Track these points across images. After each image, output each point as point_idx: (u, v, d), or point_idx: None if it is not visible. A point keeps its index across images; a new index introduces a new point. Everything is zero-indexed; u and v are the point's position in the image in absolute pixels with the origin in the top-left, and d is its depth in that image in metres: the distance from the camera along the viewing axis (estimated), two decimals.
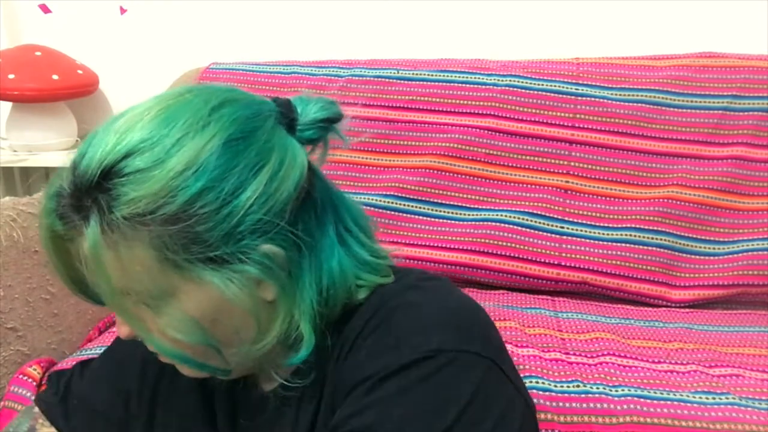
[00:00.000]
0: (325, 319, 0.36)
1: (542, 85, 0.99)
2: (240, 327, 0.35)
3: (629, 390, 0.65)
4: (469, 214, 0.97)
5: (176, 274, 0.32)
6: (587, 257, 0.92)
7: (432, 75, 1.03)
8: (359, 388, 0.33)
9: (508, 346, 0.79)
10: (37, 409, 0.48)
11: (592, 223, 0.94)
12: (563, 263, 0.93)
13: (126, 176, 0.31)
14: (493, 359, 0.34)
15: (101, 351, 0.52)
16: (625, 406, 0.63)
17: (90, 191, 0.32)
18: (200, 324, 0.34)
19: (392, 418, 0.31)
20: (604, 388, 0.65)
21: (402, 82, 1.03)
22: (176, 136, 0.32)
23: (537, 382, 0.66)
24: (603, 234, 0.93)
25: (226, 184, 0.32)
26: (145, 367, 0.46)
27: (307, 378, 0.37)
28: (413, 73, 1.04)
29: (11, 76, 1.16)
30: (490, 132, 0.98)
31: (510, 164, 0.98)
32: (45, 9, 1.30)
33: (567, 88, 0.98)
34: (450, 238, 0.96)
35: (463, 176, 0.98)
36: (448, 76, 1.02)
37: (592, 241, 0.93)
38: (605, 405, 0.63)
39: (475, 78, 1.01)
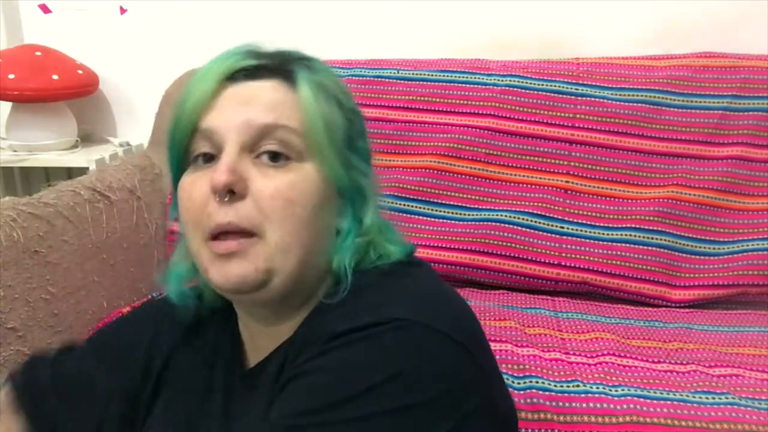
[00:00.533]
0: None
1: (542, 85, 0.99)
2: (324, 216, 0.39)
3: (629, 390, 0.65)
4: (469, 214, 0.97)
5: (329, 146, 0.38)
6: (587, 257, 0.92)
7: (432, 75, 1.03)
8: (311, 347, 0.34)
9: (508, 346, 0.79)
10: None
11: (592, 223, 0.94)
12: (563, 263, 0.93)
13: (317, 67, 0.41)
14: (450, 336, 0.34)
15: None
16: (624, 406, 0.63)
17: (289, 58, 0.40)
18: (315, 191, 0.37)
19: (329, 366, 0.32)
20: (604, 388, 0.65)
21: (402, 82, 1.03)
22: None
23: (537, 382, 0.66)
24: (603, 234, 0.93)
25: (362, 122, 0.42)
26: (151, 352, 0.45)
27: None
28: (413, 73, 1.04)
29: (11, 76, 1.16)
30: (490, 132, 0.98)
31: (510, 164, 0.98)
32: (45, 9, 1.30)
33: (567, 88, 0.98)
34: (450, 238, 0.96)
35: (463, 176, 0.98)
36: (448, 76, 1.02)
37: (592, 241, 0.93)
38: (605, 405, 0.63)
39: (475, 78, 1.01)
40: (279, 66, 0.39)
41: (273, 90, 0.38)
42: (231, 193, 0.35)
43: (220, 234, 0.36)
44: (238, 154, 0.36)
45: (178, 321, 0.45)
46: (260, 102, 0.37)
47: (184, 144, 0.39)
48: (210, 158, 0.38)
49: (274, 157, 0.37)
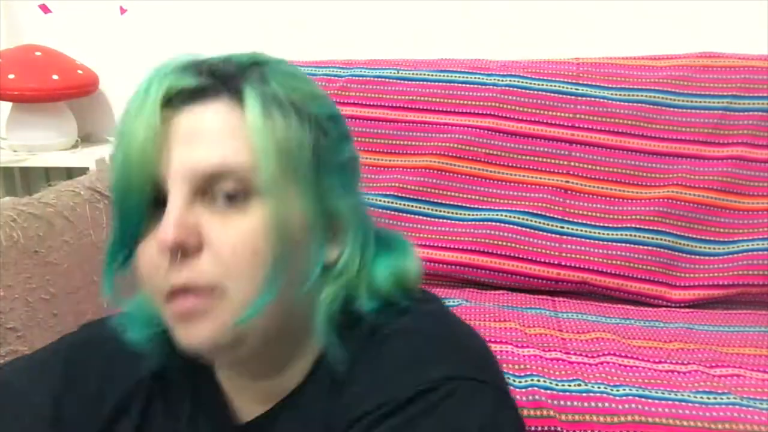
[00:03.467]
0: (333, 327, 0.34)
1: (542, 85, 0.99)
2: (305, 265, 0.33)
3: (630, 389, 0.65)
4: (469, 214, 0.97)
5: (292, 174, 0.32)
6: (587, 257, 0.92)
7: (432, 75, 1.03)
8: (364, 420, 0.30)
9: (509, 347, 0.79)
10: None
11: (592, 223, 0.94)
12: (563, 263, 0.93)
13: (277, 70, 0.34)
14: (495, 384, 0.32)
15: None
16: (626, 406, 0.63)
17: (243, 67, 0.33)
18: (281, 235, 0.31)
19: None
20: (605, 388, 0.65)
21: (402, 82, 1.03)
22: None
23: (538, 381, 0.66)
24: (603, 234, 0.93)
25: (342, 126, 0.36)
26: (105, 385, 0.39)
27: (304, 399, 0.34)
28: (413, 73, 1.04)
29: (11, 76, 1.16)
30: (490, 132, 0.98)
31: (510, 164, 0.98)
32: (45, 9, 1.30)
33: (567, 88, 0.98)
34: (450, 238, 0.96)
35: (463, 176, 0.98)
36: (448, 76, 1.02)
37: (592, 241, 0.93)
38: (606, 404, 0.63)
39: (475, 78, 1.01)
40: (224, 81, 0.32)
41: (218, 117, 0.31)
42: (183, 250, 0.30)
43: (179, 291, 0.31)
44: (188, 203, 0.31)
45: (137, 368, 0.38)
46: (204, 138, 0.31)
47: (128, 201, 0.32)
48: (162, 204, 0.31)
49: (231, 197, 0.31)
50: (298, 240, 0.33)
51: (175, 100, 0.32)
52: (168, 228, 0.30)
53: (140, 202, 0.32)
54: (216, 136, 0.31)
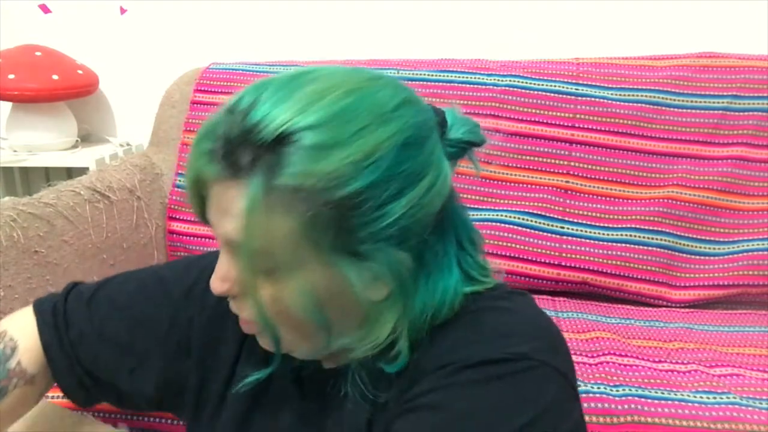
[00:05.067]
0: (421, 332, 0.36)
1: (542, 85, 0.99)
2: (344, 319, 0.35)
3: (630, 390, 0.65)
4: (469, 214, 0.97)
5: (313, 252, 0.32)
6: (587, 257, 0.92)
7: (432, 75, 1.03)
8: (438, 372, 0.33)
9: None
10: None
11: (592, 223, 0.94)
12: (563, 263, 0.93)
13: (302, 148, 0.31)
14: (567, 377, 0.34)
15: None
16: (625, 406, 0.63)
17: (260, 149, 0.31)
18: (316, 301, 0.34)
19: (461, 405, 0.31)
20: (605, 388, 0.65)
21: (402, 82, 1.03)
22: (360, 123, 0.31)
23: None
24: (603, 234, 0.93)
25: (391, 185, 0.32)
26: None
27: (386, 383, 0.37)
28: (413, 73, 1.03)
29: (11, 76, 1.16)
30: (490, 132, 0.98)
31: (510, 164, 0.98)
32: (45, 9, 1.30)
33: (567, 88, 0.98)
34: None
35: (463, 176, 0.98)
36: (448, 76, 1.02)
37: (592, 241, 0.93)
38: (606, 405, 0.63)
39: (475, 78, 1.01)
40: (239, 170, 0.32)
41: (235, 201, 0.32)
42: (229, 295, 0.36)
43: None
44: (230, 260, 0.35)
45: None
46: (228, 214, 0.33)
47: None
48: None
49: (252, 271, 0.34)
50: (337, 296, 0.34)
51: (206, 181, 0.34)
52: (214, 280, 0.36)
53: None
54: (235, 215, 0.32)
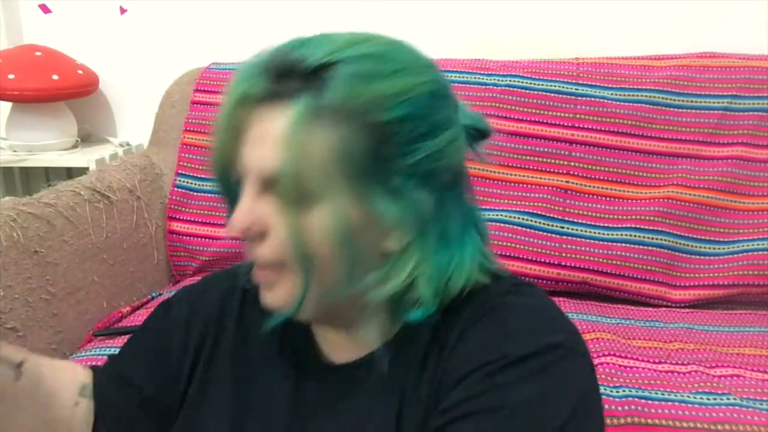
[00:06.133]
0: (439, 303, 0.37)
1: (542, 85, 0.99)
2: (366, 258, 0.36)
3: (630, 391, 0.65)
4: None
5: (347, 181, 0.34)
6: (587, 257, 0.92)
7: None
8: (475, 374, 0.34)
9: None
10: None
11: (592, 223, 0.94)
12: (563, 263, 0.93)
13: (345, 74, 0.33)
14: (590, 359, 0.36)
15: (113, 350, 0.50)
16: (625, 407, 0.62)
17: (305, 75, 0.34)
18: (347, 233, 0.35)
19: (514, 402, 0.33)
20: (605, 389, 0.65)
21: None
22: (398, 66, 0.35)
23: None
24: (603, 234, 0.93)
25: (421, 125, 0.35)
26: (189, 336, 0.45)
27: (400, 351, 0.38)
28: None
29: (11, 76, 1.16)
30: None
31: (510, 164, 0.98)
32: (45, 9, 1.30)
33: (567, 88, 0.98)
34: None
35: None
36: (448, 75, 1.02)
37: (592, 241, 0.93)
38: (606, 406, 0.62)
39: (475, 78, 1.01)
40: (287, 90, 0.34)
41: (278, 125, 0.34)
42: (249, 235, 0.36)
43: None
44: (257, 195, 0.36)
45: (238, 299, 0.45)
46: (267, 142, 0.34)
47: (223, 181, 0.39)
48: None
49: (288, 196, 0.35)
50: (360, 230, 0.35)
51: (250, 101, 0.35)
52: (235, 218, 0.36)
53: (227, 183, 0.38)
54: (276, 142, 0.34)
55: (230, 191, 0.39)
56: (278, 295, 0.37)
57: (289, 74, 0.34)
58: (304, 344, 0.42)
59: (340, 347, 0.41)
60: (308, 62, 0.34)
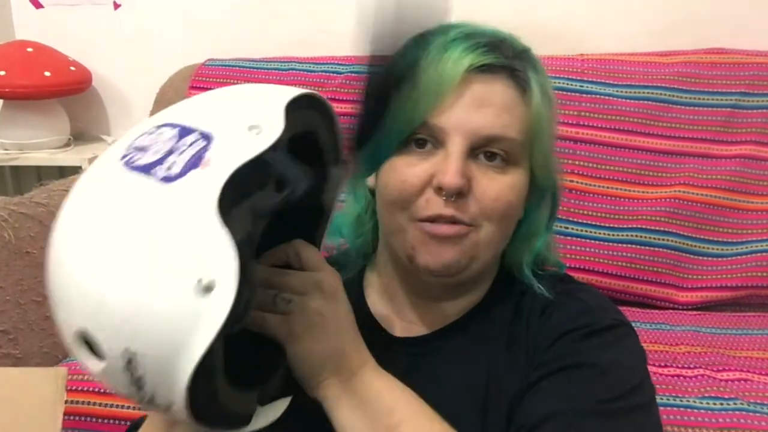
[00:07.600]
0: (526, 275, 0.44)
1: None
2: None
3: None
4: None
5: (529, 155, 0.41)
6: (592, 258, 0.91)
7: None
8: (565, 338, 0.40)
9: None
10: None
11: (598, 224, 0.92)
12: (567, 264, 0.90)
13: (537, 60, 0.42)
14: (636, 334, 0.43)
15: None
16: None
17: (518, 53, 0.41)
18: (521, 197, 0.42)
19: (603, 360, 0.38)
20: None
21: None
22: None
23: None
24: (608, 234, 0.92)
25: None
26: None
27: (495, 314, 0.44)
28: None
29: (2, 73, 1.14)
30: None
31: None
32: (36, 4, 1.28)
33: (572, 85, 0.96)
34: None
35: None
36: None
37: (597, 241, 0.91)
38: None
39: None
40: (512, 64, 0.40)
41: (504, 94, 0.40)
42: (457, 193, 0.39)
43: (441, 219, 0.39)
44: (465, 155, 0.39)
45: None
46: (491, 108, 0.39)
47: (404, 134, 0.40)
48: (422, 144, 0.40)
49: (497, 159, 0.40)
50: (527, 197, 0.43)
51: (472, 70, 0.39)
52: (454, 175, 0.38)
53: (402, 133, 0.40)
54: (500, 108, 0.39)
55: (385, 149, 0.40)
56: (460, 251, 0.40)
57: (503, 47, 0.40)
58: (367, 321, 0.44)
59: (410, 320, 0.45)
60: (516, 44, 0.41)
